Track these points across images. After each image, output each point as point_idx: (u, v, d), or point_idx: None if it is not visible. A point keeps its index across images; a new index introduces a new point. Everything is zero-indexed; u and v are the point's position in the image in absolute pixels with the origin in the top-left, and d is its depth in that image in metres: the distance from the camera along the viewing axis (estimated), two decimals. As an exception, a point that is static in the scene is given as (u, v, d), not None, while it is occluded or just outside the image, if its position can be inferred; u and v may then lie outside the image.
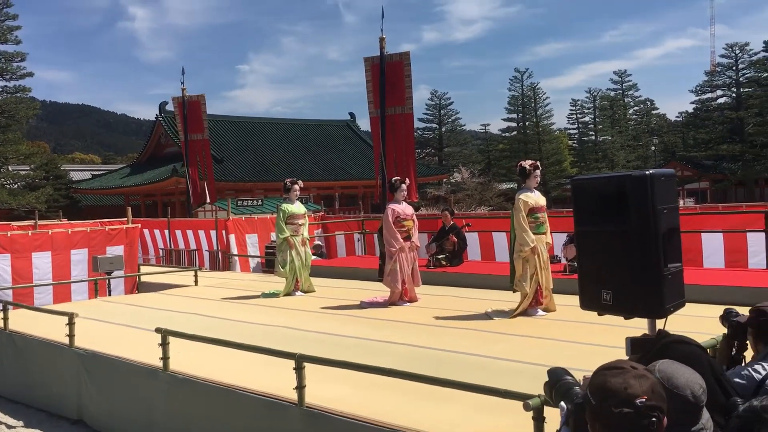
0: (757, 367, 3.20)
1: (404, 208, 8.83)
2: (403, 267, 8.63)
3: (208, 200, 20.66)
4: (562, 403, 2.33)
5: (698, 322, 4.97)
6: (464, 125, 64.59)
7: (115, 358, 6.29)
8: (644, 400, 1.82)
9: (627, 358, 2.68)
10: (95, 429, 6.57)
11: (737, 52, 51.45)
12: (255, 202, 31.96)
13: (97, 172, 50.64)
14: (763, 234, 9.66)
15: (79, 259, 12.32)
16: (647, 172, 3.15)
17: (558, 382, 2.45)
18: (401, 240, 8.63)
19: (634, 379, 1.87)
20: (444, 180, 50.83)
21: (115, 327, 7.89)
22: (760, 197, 43.74)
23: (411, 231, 8.81)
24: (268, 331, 7.28)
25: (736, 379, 3.08)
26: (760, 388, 3.04)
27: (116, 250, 12.59)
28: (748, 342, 3.48)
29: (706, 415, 2.08)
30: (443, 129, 60.64)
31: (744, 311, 3.53)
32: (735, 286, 7.72)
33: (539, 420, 3.32)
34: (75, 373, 6.73)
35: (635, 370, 1.91)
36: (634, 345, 3.01)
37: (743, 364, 3.39)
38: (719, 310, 3.79)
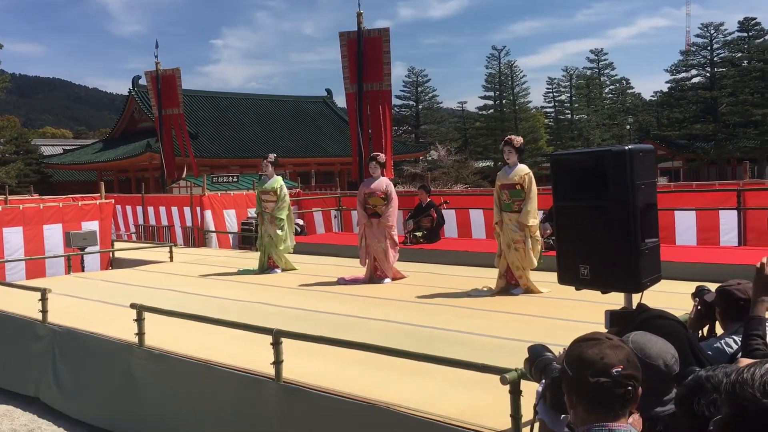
0: (728, 340, 3.26)
1: (374, 184, 8.77)
2: (371, 244, 8.62)
3: (184, 174, 20.44)
4: (543, 380, 2.34)
5: (670, 298, 5.03)
6: (441, 103, 64.39)
7: (89, 334, 6.21)
8: (620, 369, 1.84)
9: (605, 331, 2.70)
10: (59, 407, 6.46)
11: (712, 32, 51.68)
12: (230, 178, 31.68)
13: (68, 147, 49.72)
14: (734, 212, 9.81)
15: (52, 234, 12.15)
16: (626, 148, 3.16)
17: (537, 359, 2.47)
18: (366, 216, 8.65)
19: (610, 349, 1.89)
20: (420, 157, 50.78)
21: (90, 303, 7.81)
22: (732, 176, 44.24)
23: (379, 208, 8.70)
24: (245, 306, 7.24)
25: (708, 352, 3.13)
26: (732, 362, 3.10)
27: (91, 226, 12.43)
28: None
29: (679, 385, 2.11)
30: (420, 106, 60.38)
31: (715, 288, 3.57)
32: (707, 263, 7.84)
33: (516, 393, 3.35)
34: (46, 350, 6.65)
35: (610, 340, 1.94)
36: (613, 318, 3.04)
37: (716, 337, 3.45)
38: (691, 286, 3.84)
